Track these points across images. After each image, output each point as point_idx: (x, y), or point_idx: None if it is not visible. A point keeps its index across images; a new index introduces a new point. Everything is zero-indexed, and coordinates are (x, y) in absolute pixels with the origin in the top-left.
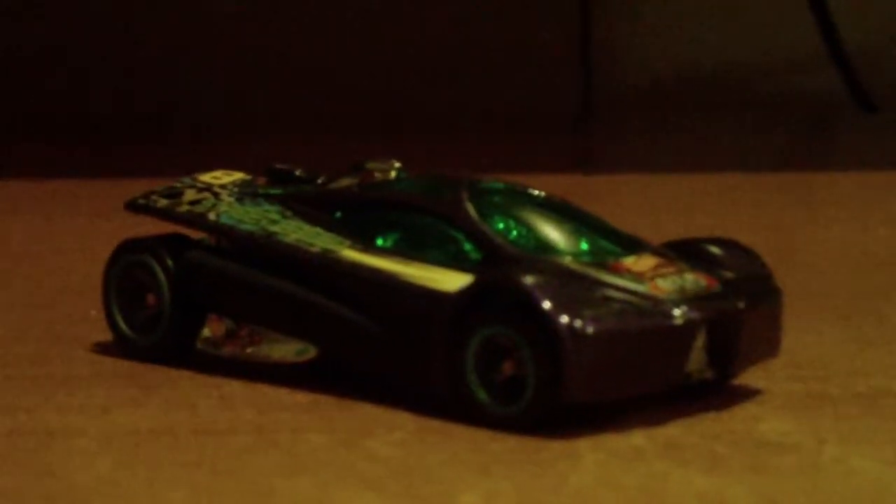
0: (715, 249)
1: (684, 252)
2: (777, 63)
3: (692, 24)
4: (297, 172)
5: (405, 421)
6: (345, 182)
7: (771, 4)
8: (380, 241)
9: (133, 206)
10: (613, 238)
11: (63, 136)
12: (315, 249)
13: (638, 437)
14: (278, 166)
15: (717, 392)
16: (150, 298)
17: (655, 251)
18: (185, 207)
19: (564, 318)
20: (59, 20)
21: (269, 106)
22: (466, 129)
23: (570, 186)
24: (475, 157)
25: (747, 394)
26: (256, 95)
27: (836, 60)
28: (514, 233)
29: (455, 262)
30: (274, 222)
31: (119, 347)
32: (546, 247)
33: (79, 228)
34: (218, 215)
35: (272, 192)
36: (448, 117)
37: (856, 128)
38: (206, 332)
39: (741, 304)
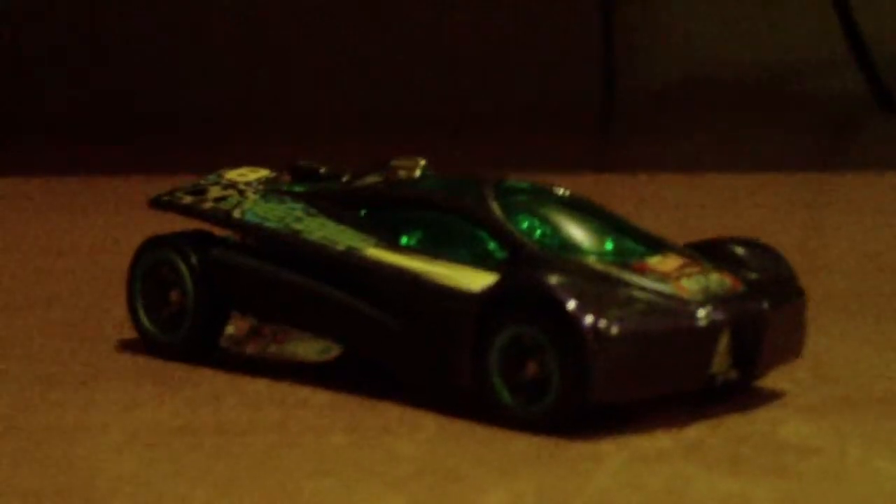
0: (739, 250)
1: (709, 252)
2: (800, 64)
3: (714, 24)
4: (322, 170)
5: (429, 421)
6: (370, 180)
7: (794, 5)
8: (404, 240)
9: (158, 203)
10: (638, 238)
11: (88, 133)
12: (340, 247)
13: (662, 439)
14: (303, 163)
15: (740, 394)
16: (175, 296)
17: (680, 251)
18: (209, 204)
19: (589, 318)
20: (76, 16)
21: (294, 103)
22: (490, 128)
23: (593, 186)
24: (499, 156)
25: (771, 396)
26: (281, 92)
27: (859, 61)
28: (539, 232)
29: (480, 260)
30: (299, 220)
31: (143, 345)
32: (571, 246)
33: (103, 225)
34: (243, 212)
35: (297, 189)
36: (471, 117)
37: (880, 129)
38: (229, 329)
39: (765, 306)
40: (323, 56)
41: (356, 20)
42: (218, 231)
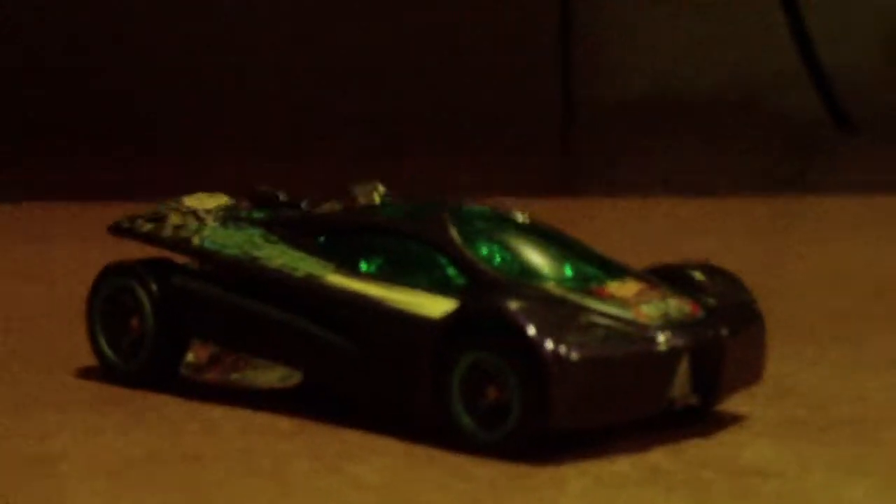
0: (698, 275)
1: (668, 277)
2: (758, 83)
3: (673, 45)
4: (281, 196)
5: (390, 447)
6: (329, 206)
7: (753, 25)
8: (364, 266)
9: (117, 230)
10: (597, 263)
11: (47, 158)
12: (299, 274)
13: (623, 464)
14: (262, 190)
15: (701, 418)
16: (134, 323)
17: (639, 276)
18: (169, 231)
19: (549, 344)
20: (40, 41)
21: (251, 127)
22: (449, 151)
23: (552, 209)
24: (458, 179)
25: (731, 420)
26: (240, 117)
27: (815, 81)
28: (498, 258)
29: (439, 287)
30: (258, 247)
31: (103, 372)
32: (530, 272)
33: (62, 252)
34: (202, 239)
35: (256, 215)
36: (430, 140)
37: (837, 150)
38: (190, 357)
39: (725, 331)
40: (305, 83)
41: (333, 51)
42: (178, 258)
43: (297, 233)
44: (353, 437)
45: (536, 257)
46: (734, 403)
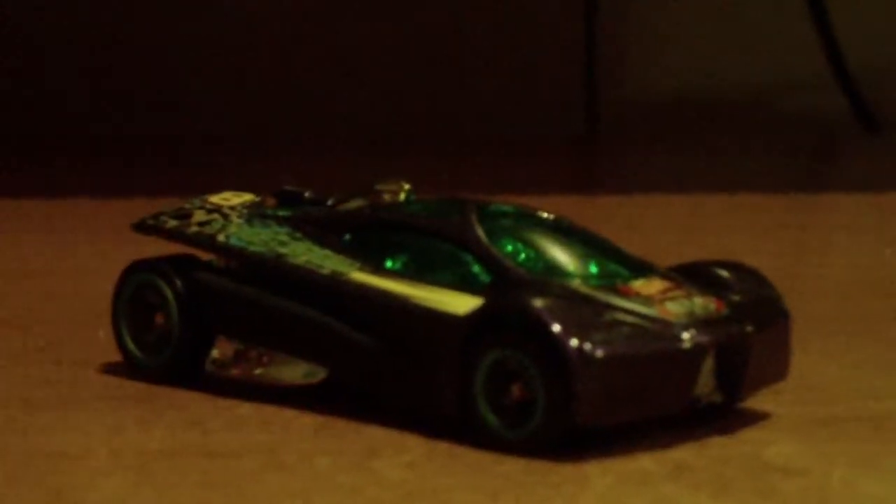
0: (723, 273)
1: (692, 275)
2: (782, 83)
3: (696, 45)
4: (307, 194)
5: (414, 443)
6: (354, 204)
7: (776, 25)
8: (389, 264)
9: (142, 227)
10: (622, 261)
11: (74, 155)
12: (324, 271)
13: (646, 461)
14: (288, 188)
15: (725, 415)
16: (159, 319)
17: (663, 274)
18: (194, 228)
19: (574, 342)
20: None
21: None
22: (474, 150)
23: (576, 208)
24: (482, 179)
25: (755, 417)
26: (266, 116)
27: (840, 80)
28: (523, 256)
29: (464, 284)
30: (283, 244)
31: (128, 368)
32: (555, 270)
33: (88, 249)
34: (227, 237)
35: (282, 213)
36: (455, 139)
37: (861, 149)
38: (214, 353)
39: (749, 328)
40: (330, 82)
41: (358, 48)
42: (202, 255)
43: (322, 230)
44: (377, 434)
45: (561, 255)
46: (758, 401)
